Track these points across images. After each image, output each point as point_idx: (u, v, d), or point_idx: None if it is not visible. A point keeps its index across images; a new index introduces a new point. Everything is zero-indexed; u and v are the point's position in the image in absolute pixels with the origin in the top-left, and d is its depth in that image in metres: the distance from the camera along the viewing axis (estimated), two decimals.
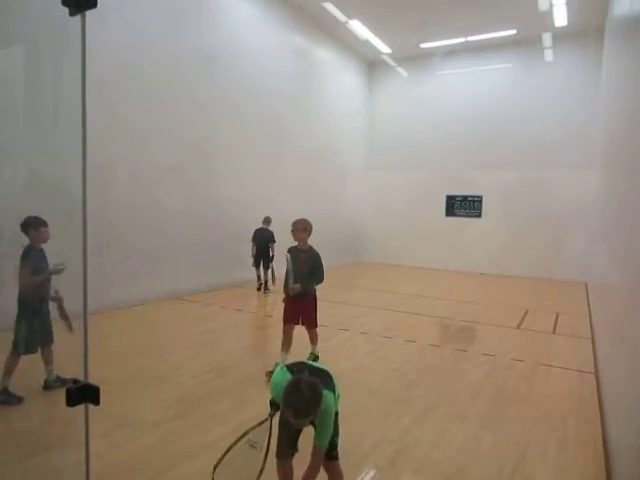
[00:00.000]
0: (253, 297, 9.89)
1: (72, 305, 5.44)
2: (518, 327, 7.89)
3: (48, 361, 4.53)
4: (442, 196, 15.69)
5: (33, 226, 4.31)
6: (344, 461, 3.35)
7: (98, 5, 1.77)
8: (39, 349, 4.47)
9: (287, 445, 2.70)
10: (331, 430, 2.56)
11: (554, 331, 7.76)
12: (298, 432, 2.73)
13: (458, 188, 15.43)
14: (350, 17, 12.74)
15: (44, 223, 4.38)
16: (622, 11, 5.83)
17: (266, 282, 10.15)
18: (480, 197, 15.10)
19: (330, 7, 12.11)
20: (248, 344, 6.84)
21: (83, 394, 1.79)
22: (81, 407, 1.84)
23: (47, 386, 4.50)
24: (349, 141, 16.11)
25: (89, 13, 1.76)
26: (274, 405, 2.78)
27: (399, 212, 16.22)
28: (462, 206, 15.42)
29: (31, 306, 4.36)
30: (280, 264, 6.83)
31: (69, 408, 1.80)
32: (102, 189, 7.35)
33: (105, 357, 5.10)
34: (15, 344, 4.28)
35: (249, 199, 10.97)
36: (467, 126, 15.04)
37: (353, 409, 4.30)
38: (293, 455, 2.74)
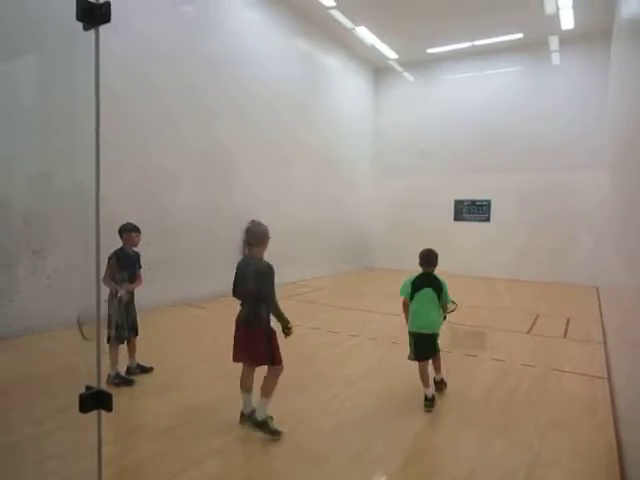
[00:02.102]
0: None
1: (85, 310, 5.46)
2: (529, 332, 7.83)
3: (132, 351, 5.13)
4: (450, 201, 15.65)
5: (125, 231, 4.91)
6: (356, 466, 3.36)
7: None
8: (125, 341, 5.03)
9: (422, 351, 4.56)
10: (448, 296, 4.59)
11: (565, 336, 7.69)
12: (430, 342, 4.59)
13: (466, 192, 15.39)
14: (357, 23, 12.81)
15: (136, 229, 4.96)
16: (629, 14, 5.81)
17: None
18: (488, 201, 15.04)
19: (337, 14, 12.18)
20: None
21: (96, 401, 1.82)
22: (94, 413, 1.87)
23: (129, 372, 5.07)
24: (356, 147, 16.14)
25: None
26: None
27: (407, 217, 16.19)
28: (470, 210, 15.37)
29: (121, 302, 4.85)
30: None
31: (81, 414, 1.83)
32: (108, 195, 7.42)
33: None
34: (110, 337, 4.75)
35: (256, 205, 10.99)
36: (474, 130, 15.01)
37: (363, 414, 4.30)
38: (429, 357, 4.61)
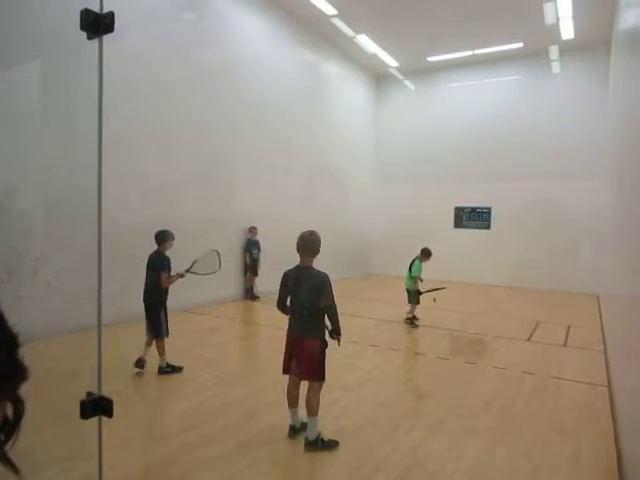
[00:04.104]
0: (262, 309, 9.89)
1: (86, 316, 5.52)
2: (529, 339, 7.82)
3: (161, 352, 5.50)
4: (450, 208, 15.67)
5: (165, 238, 5.54)
6: (356, 475, 3.35)
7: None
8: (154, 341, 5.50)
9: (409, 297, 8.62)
10: (415, 272, 8.61)
11: (565, 343, 7.68)
12: (409, 293, 8.56)
13: (466, 200, 15.41)
14: (358, 32, 12.89)
15: (172, 236, 5.64)
16: (628, 25, 5.86)
17: (252, 288, 10.69)
18: (489, 209, 15.06)
19: (338, 22, 12.24)
20: (257, 356, 6.85)
21: (97, 407, 1.82)
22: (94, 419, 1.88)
23: (162, 371, 5.42)
24: (357, 154, 16.17)
25: None
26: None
27: (407, 224, 16.20)
28: (471, 218, 15.38)
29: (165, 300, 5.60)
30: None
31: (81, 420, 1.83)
32: (106, 204, 7.44)
33: (117, 369, 5.14)
34: (161, 331, 5.52)
35: (255, 214, 11.01)
36: (475, 138, 15.06)
37: (362, 422, 4.29)
38: (410, 302, 8.53)
